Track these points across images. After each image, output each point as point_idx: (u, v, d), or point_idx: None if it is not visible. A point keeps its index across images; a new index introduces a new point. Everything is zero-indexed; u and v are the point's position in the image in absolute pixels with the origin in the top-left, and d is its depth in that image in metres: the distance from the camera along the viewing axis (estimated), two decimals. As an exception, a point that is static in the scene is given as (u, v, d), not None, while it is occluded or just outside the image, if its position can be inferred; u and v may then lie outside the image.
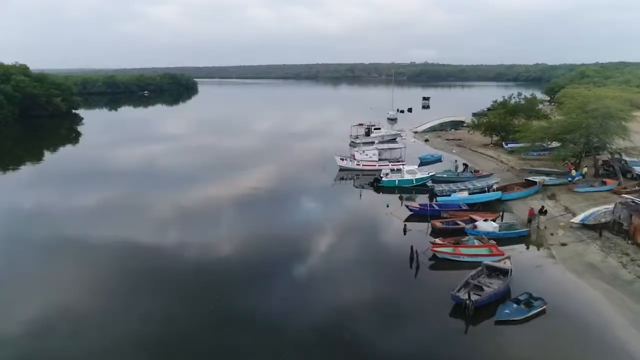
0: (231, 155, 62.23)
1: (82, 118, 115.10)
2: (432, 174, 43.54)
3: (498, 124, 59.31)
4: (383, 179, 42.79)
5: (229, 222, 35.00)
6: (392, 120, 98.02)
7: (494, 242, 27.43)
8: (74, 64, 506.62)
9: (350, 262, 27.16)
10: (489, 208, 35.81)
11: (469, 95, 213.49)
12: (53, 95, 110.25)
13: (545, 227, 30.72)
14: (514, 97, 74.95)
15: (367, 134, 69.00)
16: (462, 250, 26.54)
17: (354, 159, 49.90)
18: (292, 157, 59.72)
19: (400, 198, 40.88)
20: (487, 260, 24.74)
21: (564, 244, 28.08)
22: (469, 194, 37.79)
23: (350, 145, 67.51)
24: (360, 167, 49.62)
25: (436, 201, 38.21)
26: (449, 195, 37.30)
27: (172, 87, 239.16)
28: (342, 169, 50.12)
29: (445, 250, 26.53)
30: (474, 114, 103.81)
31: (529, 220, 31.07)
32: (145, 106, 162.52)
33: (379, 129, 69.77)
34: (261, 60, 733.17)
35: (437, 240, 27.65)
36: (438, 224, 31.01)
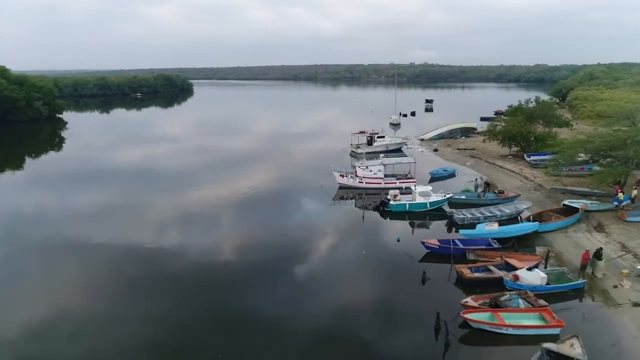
0: (212, 165, 55.49)
1: (66, 122, 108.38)
2: (449, 195, 36.57)
3: (518, 133, 52.32)
4: (391, 202, 35.84)
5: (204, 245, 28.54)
6: (395, 125, 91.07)
7: (545, 304, 20.56)
8: (71, 66, 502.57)
9: (355, 330, 20.28)
10: (525, 243, 29.00)
11: (472, 96, 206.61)
12: (34, 99, 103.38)
13: (604, 275, 23.88)
14: (530, 101, 67.98)
15: (370, 142, 62.17)
16: (505, 318, 19.63)
17: (356, 175, 42.96)
18: (286, 169, 52.80)
19: (411, 225, 34.28)
20: (543, 334, 18.01)
21: (638, 304, 21.19)
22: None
23: (350, 155, 60.89)
24: (363, 184, 42.70)
25: (456, 231, 31.53)
26: (474, 227, 30.34)
27: (167, 89, 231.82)
28: (342, 187, 43.24)
29: (482, 318, 19.62)
30: (482, 119, 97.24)
31: (583, 267, 24.21)
32: (138, 109, 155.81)
33: (383, 137, 62.84)
34: (260, 61, 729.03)
35: (469, 301, 20.74)
36: (466, 271, 24.07)
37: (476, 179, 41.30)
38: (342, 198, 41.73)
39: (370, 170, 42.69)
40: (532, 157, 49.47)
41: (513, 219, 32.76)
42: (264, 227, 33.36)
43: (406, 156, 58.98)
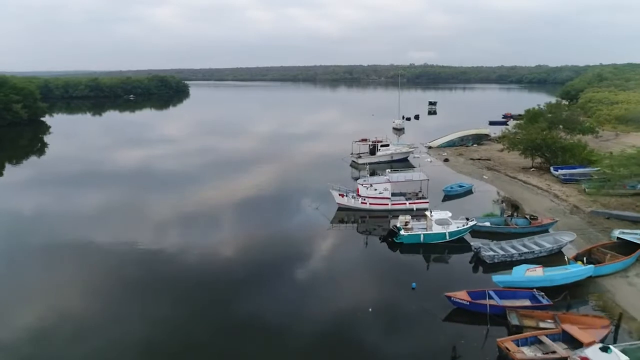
0: (193, 175, 48.93)
1: (49, 126, 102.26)
2: (472, 223, 29.96)
3: (543, 143, 45.67)
4: (401, 233, 29.28)
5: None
6: (399, 130, 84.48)
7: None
8: (70, 67, 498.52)
9: None
10: (575, 292, 22.52)
11: (475, 98, 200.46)
12: (12, 102, 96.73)
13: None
14: (549, 105, 61.68)
15: (372, 152, 55.62)
16: None
17: (358, 195, 36.41)
18: (278, 184, 46.22)
19: (427, 260, 27.97)
20: None
21: None
22: (534, 262, 24.48)
23: (351, 165, 54.53)
24: (367, 206, 36.17)
25: (484, 271, 25.19)
26: (507, 266, 23.84)
27: (161, 90, 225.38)
28: (341, 208, 36.77)
29: None
30: (492, 123, 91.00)
31: (671, 338, 17.75)
32: (131, 111, 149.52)
33: (387, 145, 56.20)
34: (259, 62, 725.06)
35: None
36: (512, 348, 17.46)
37: (502, 201, 34.72)
38: (341, 221, 35.32)
39: (375, 189, 36.10)
40: (561, 171, 42.87)
41: (554, 256, 26.40)
42: (240, 261, 27.20)
43: (414, 167, 52.67)
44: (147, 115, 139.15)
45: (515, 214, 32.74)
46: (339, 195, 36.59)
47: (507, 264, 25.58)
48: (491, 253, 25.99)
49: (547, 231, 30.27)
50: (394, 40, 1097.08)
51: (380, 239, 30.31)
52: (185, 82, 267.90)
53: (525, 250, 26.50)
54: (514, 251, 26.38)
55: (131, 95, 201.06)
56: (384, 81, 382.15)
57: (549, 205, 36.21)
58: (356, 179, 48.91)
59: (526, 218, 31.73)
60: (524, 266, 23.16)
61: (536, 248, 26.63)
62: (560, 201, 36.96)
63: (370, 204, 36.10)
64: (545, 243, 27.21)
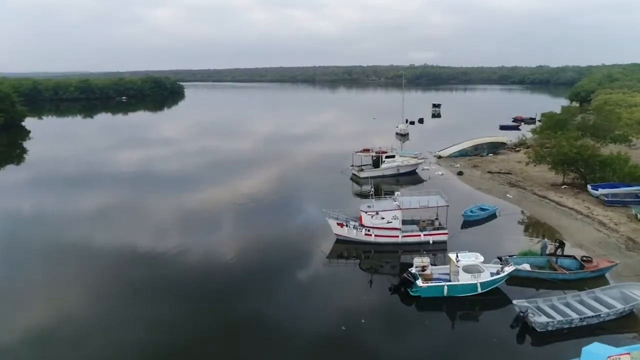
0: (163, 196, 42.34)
1: (29, 131, 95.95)
2: (510, 269, 23.00)
3: (577, 155, 38.65)
4: (418, 283, 22.38)
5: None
6: (403, 136, 77.62)
7: None
8: (68, 68, 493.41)
9: None
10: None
11: (478, 99, 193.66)
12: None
13: None
14: (565, 108, 54.88)
15: (376, 164, 48.70)
16: None
17: (361, 225, 29.46)
18: (269, 207, 38.97)
19: (452, 319, 21.26)
20: None
21: None
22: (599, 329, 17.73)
23: (351, 179, 47.78)
24: (372, 238, 29.26)
25: (532, 342, 18.43)
26: (564, 334, 17.04)
27: (155, 92, 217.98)
28: (340, 240, 29.91)
29: None
30: (502, 127, 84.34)
31: None
32: (124, 113, 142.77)
33: (393, 156, 49.23)
34: (257, 63, 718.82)
35: None
36: None
37: (543, 237, 27.60)
38: (340, 256, 28.62)
39: (382, 218, 29.17)
40: (602, 190, 35.87)
41: (625, 320, 19.62)
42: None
43: (424, 180, 45.97)
44: (139, 118, 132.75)
45: (559, 251, 25.90)
46: (337, 224, 29.69)
47: (564, 333, 18.86)
48: (544, 319, 19.05)
49: (604, 277, 23.52)
50: (393, 40, 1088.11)
51: (390, 289, 23.35)
52: (184, 83, 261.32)
53: (588, 313, 19.58)
54: (573, 315, 19.50)
55: (123, 97, 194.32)
56: (384, 82, 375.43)
57: (595, 237, 29.35)
58: (357, 194, 42.44)
59: (575, 258, 24.88)
60: (598, 347, 16.20)
61: (603, 310, 19.73)
62: (610, 231, 30.07)
63: (375, 235, 29.16)
64: (612, 301, 20.35)
